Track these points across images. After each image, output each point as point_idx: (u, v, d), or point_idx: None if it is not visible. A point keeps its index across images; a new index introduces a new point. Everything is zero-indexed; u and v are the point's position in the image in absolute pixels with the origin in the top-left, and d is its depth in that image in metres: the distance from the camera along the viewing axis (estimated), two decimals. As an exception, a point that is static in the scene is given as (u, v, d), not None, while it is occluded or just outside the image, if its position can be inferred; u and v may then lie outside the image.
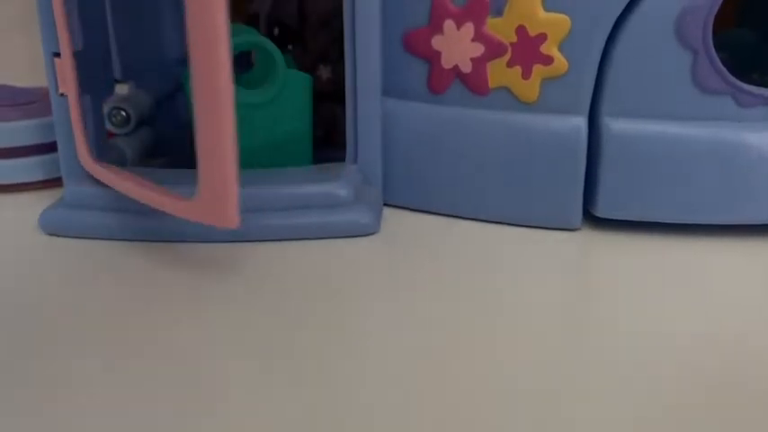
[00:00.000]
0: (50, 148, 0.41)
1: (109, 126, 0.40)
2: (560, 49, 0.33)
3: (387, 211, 0.38)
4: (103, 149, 0.37)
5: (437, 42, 0.35)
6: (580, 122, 0.33)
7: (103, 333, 0.25)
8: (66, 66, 0.33)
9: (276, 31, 0.42)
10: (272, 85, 0.37)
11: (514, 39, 0.33)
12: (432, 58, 0.36)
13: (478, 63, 0.34)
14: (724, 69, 0.31)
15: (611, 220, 0.34)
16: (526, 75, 0.34)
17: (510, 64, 0.34)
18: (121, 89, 0.44)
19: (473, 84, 0.35)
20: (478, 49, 0.34)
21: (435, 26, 0.35)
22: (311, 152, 0.39)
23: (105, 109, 0.39)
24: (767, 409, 0.21)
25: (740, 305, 0.28)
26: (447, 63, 0.35)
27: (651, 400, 0.21)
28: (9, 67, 0.43)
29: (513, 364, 0.23)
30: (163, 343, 0.25)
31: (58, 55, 0.34)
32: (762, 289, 0.29)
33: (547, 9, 0.32)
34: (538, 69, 0.33)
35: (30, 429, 0.20)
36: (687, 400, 0.21)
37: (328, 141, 0.46)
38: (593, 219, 0.35)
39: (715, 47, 0.31)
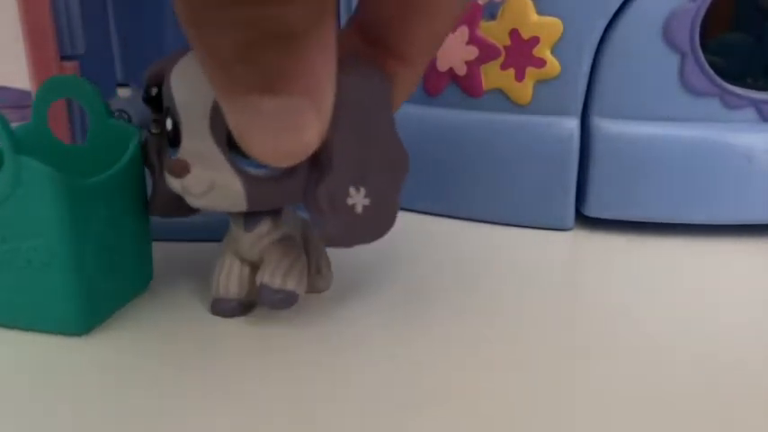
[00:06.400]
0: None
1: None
2: (553, 51, 0.33)
3: (383, 211, 0.38)
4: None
5: (432, 45, 0.36)
6: (572, 124, 0.34)
7: (104, 332, 0.26)
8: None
9: None
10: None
11: (508, 42, 0.34)
12: (427, 61, 0.36)
13: (472, 66, 0.35)
14: (711, 71, 0.32)
15: (602, 219, 0.35)
16: (519, 77, 0.34)
17: (503, 67, 0.34)
18: (123, 92, 0.44)
19: (467, 86, 0.35)
20: (472, 53, 0.35)
21: (430, 30, 0.36)
22: (79, 288, 0.24)
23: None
24: (761, 407, 0.21)
25: (729, 302, 0.28)
26: (442, 66, 0.36)
27: (645, 398, 0.22)
28: (10, 69, 0.43)
29: (507, 362, 0.24)
30: (162, 341, 0.25)
31: (65, 58, 0.34)
32: (752, 286, 0.29)
33: (540, 13, 0.33)
34: (531, 72, 0.34)
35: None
36: (679, 397, 0.22)
37: None
38: (584, 219, 0.35)
39: (710, 51, 0.32)
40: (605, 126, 0.33)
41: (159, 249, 0.29)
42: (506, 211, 0.36)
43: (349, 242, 0.24)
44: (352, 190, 0.23)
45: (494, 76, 0.35)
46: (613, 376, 0.23)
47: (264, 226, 0.26)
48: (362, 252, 0.33)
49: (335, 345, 0.25)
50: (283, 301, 0.25)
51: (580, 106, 0.34)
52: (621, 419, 0.20)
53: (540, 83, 0.34)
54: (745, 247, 0.33)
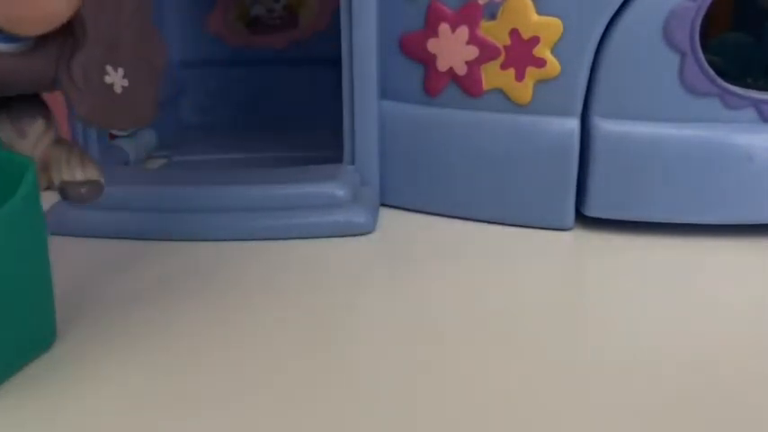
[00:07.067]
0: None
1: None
2: (553, 51, 0.33)
3: (383, 212, 0.38)
4: (106, 150, 0.38)
5: (432, 45, 0.36)
6: (572, 124, 0.34)
7: (107, 329, 0.26)
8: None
9: None
10: None
11: (508, 42, 0.34)
12: (427, 61, 0.36)
13: (473, 66, 0.35)
14: (711, 71, 0.32)
15: (602, 219, 0.35)
16: (519, 77, 0.34)
17: (504, 66, 0.34)
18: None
19: (467, 86, 0.35)
20: (473, 52, 0.35)
21: (431, 30, 0.36)
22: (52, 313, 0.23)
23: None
24: (761, 406, 0.21)
25: (728, 302, 0.28)
26: (442, 66, 0.36)
27: (644, 397, 0.22)
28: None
29: (507, 361, 0.24)
30: (164, 338, 0.25)
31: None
32: (749, 286, 0.29)
33: (540, 13, 0.33)
34: (531, 72, 0.34)
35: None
36: (679, 397, 0.22)
37: None
38: (584, 218, 0.35)
39: (710, 51, 0.32)
40: (605, 126, 0.33)
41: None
42: (506, 211, 0.36)
43: (106, 123, 0.24)
44: (109, 68, 0.23)
45: (494, 75, 0.35)
46: (613, 376, 0.23)
47: (39, 127, 0.25)
48: (361, 251, 0.33)
49: (327, 340, 0.25)
50: (90, 192, 0.25)
51: (580, 106, 0.34)
52: (621, 417, 0.20)
53: (540, 83, 0.34)
54: (746, 247, 0.33)
